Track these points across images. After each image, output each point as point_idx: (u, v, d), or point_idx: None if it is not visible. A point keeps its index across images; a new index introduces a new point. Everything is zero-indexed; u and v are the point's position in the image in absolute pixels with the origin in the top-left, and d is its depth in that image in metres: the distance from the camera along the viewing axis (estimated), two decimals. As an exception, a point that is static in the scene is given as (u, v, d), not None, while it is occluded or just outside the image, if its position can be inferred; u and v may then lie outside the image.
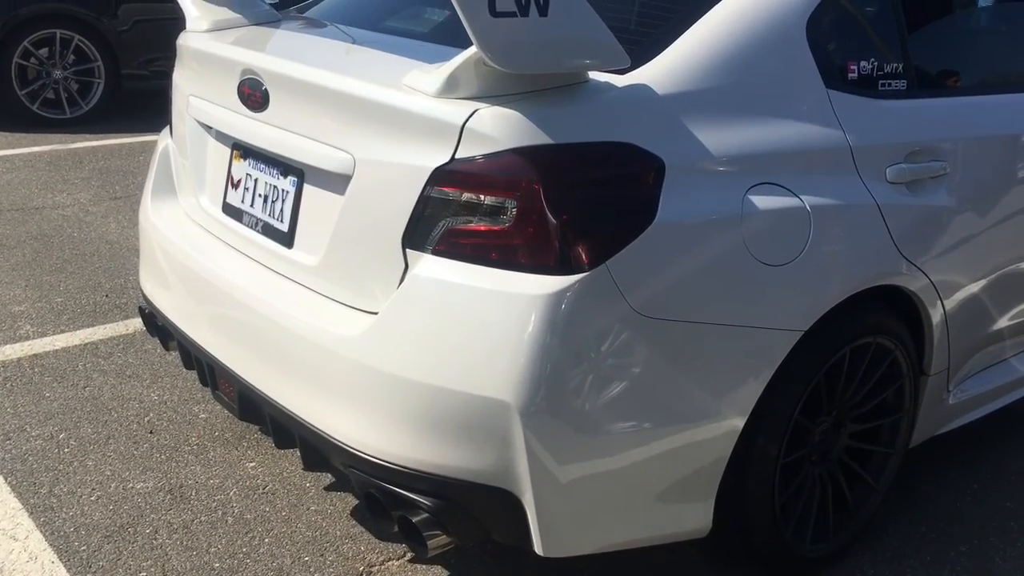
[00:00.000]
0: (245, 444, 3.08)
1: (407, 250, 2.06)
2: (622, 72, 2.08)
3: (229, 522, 2.71)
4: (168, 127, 2.93)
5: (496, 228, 1.97)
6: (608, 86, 2.06)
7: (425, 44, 2.52)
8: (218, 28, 2.70)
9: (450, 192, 2.00)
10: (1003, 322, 2.83)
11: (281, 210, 2.36)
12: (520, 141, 1.94)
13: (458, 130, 1.97)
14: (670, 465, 2.12)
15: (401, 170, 2.06)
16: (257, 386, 2.33)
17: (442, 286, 2.01)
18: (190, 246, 2.61)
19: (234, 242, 2.52)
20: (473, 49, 1.92)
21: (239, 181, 2.50)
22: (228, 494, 2.83)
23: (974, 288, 2.65)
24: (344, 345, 2.11)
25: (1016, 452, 3.20)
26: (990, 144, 2.67)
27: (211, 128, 2.58)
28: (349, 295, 2.19)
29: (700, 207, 2.07)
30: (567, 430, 1.99)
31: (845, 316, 2.30)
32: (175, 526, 2.68)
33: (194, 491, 2.84)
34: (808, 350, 2.23)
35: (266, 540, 2.64)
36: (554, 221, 1.93)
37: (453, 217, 2.01)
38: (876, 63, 2.44)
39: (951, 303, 2.57)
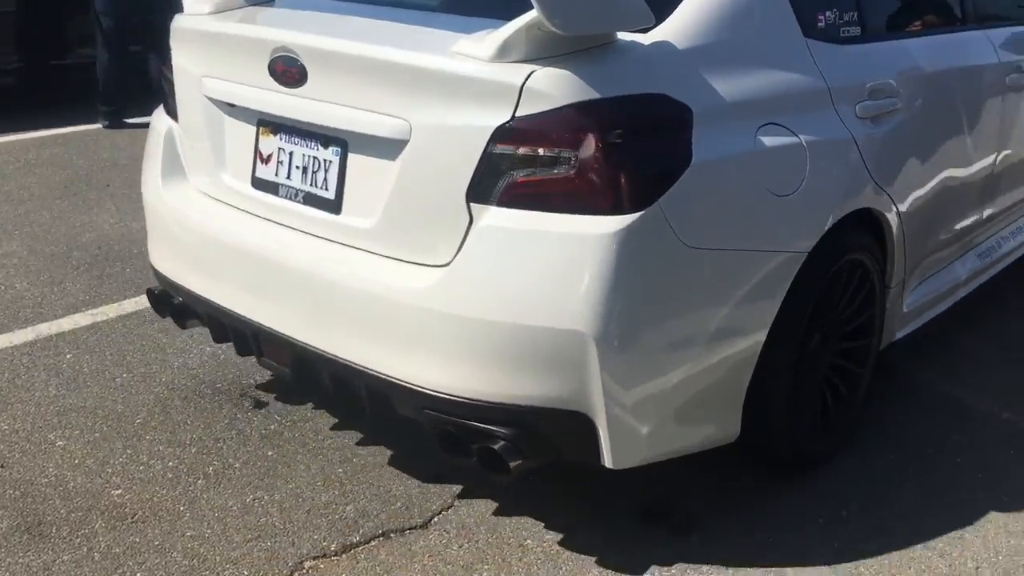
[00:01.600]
0: (109, 470, 2.80)
1: (471, 204, 2.25)
2: (645, 31, 2.32)
3: (96, 558, 2.47)
4: (163, 108, 2.98)
5: (557, 176, 2.19)
6: (636, 44, 2.29)
7: (439, 15, 2.69)
8: (221, 10, 2.77)
9: (512, 147, 2.20)
10: (945, 233, 3.25)
11: (325, 179, 2.49)
12: (575, 97, 2.16)
13: (517, 90, 2.17)
14: (712, 378, 2.40)
15: (461, 131, 2.24)
16: (317, 346, 2.47)
17: (511, 233, 2.21)
18: (218, 221, 2.70)
19: (267, 214, 2.63)
20: (525, 17, 2.12)
21: (270, 156, 2.61)
22: (93, 527, 2.57)
23: (923, 204, 3.03)
24: (416, 297, 2.28)
25: (891, 408, 3.23)
26: (934, 79, 3.07)
27: (233, 106, 2.67)
28: (408, 252, 2.36)
29: (722, 148, 2.34)
30: (635, 354, 2.24)
31: (834, 238, 2.62)
32: (35, 568, 2.42)
33: (54, 527, 2.57)
34: (811, 267, 2.54)
35: (138, 574, 2.43)
36: (611, 167, 2.17)
37: (516, 170, 2.21)
38: (837, 13, 2.77)
39: (907, 219, 2.94)
